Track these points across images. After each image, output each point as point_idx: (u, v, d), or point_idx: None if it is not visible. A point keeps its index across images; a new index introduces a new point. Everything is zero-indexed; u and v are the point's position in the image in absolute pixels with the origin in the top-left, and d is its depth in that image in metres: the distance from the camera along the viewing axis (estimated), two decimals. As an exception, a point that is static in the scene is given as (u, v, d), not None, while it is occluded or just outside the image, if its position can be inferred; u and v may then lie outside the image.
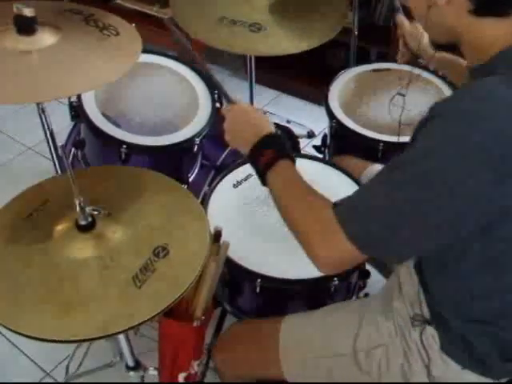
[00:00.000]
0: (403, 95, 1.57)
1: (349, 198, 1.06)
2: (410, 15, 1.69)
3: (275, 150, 1.20)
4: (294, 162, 1.21)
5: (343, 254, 1.03)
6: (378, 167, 1.67)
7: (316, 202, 1.11)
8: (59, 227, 1.25)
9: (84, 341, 1.11)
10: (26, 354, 2.01)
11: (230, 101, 1.38)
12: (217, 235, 1.36)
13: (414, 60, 2.00)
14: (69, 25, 1.42)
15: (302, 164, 1.67)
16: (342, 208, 1.05)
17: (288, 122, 2.78)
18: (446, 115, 0.95)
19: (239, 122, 1.31)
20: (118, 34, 1.44)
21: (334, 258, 1.05)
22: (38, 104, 1.45)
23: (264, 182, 1.21)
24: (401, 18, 1.64)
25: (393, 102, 1.68)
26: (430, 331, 1.19)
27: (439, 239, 1.01)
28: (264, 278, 1.41)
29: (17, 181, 2.52)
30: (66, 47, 1.36)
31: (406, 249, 1.03)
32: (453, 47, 1.11)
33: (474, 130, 0.91)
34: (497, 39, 1.02)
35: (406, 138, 1.73)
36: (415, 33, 1.63)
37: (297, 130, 2.71)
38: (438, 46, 1.16)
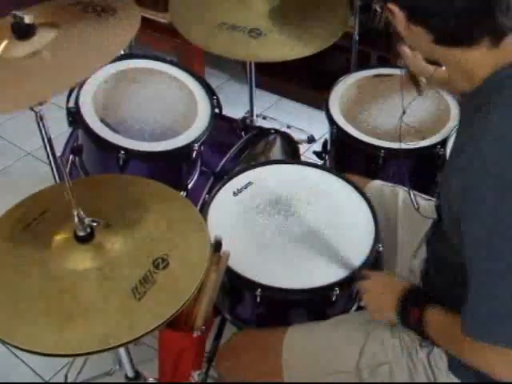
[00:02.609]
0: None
1: (474, 314, 1.02)
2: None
3: (418, 307, 1.18)
4: (431, 299, 1.18)
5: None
6: (377, 183, 1.66)
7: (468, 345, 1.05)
8: (58, 238, 1.24)
9: (83, 355, 1.09)
10: (24, 362, 1.99)
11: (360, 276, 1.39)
12: (217, 245, 1.35)
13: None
14: (66, 19, 1.39)
15: (302, 171, 1.69)
16: (479, 332, 1.01)
17: (288, 127, 2.76)
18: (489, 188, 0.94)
19: (376, 300, 1.30)
20: (115, 12, 1.41)
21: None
22: (35, 112, 1.43)
23: (423, 336, 1.20)
24: (402, 47, 1.62)
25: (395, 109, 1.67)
26: (438, 352, 1.18)
27: None
28: (264, 287, 1.39)
29: (16, 186, 2.53)
30: (64, 41, 1.32)
31: None
32: None
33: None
34: (475, 66, 1.01)
35: (408, 145, 1.74)
36: (415, 59, 1.61)
37: (297, 135, 2.69)
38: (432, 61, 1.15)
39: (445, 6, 0.96)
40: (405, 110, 1.45)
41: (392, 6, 1.01)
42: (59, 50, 1.28)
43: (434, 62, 1.15)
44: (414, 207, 1.43)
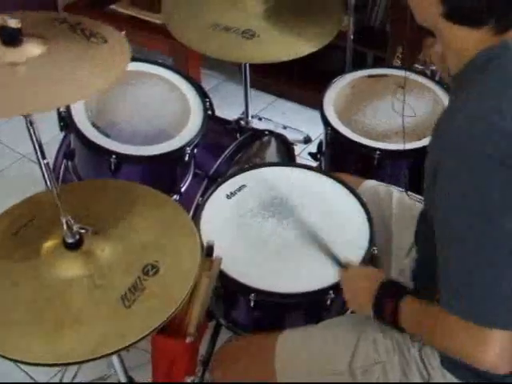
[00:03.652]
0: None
1: (450, 294, 1.03)
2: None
3: (393, 298, 1.17)
4: (410, 292, 1.18)
5: (497, 341, 0.98)
6: (371, 182, 1.65)
7: (441, 324, 1.05)
8: (47, 245, 1.23)
9: (73, 364, 1.08)
10: (19, 366, 1.98)
11: (341, 265, 1.39)
12: (209, 250, 1.34)
13: (411, 65, 1.98)
14: (55, 34, 1.38)
15: (295, 173, 1.68)
16: (459, 310, 1.01)
17: (284, 127, 2.75)
18: (455, 165, 0.96)
19: (353, 288, 1.31)
20: (105, 41, 1.40)
21: (498, 353, 0.99)
22: (25, 117, 1.41)
23: (397, 327, 1.18)
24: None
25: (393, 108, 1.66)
26: (430, 348, 1.17)
27: None
28: (258, 292, 1.38)
29: (11, 189, 2.53)
30: (53, 58, 1.32)
31: None
32: None
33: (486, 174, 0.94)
34: (466, 47, 1.03)
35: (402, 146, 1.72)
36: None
37: (293, 136, 2.69)
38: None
39: None
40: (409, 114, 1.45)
41: None
42: (45, 67, 1.26)
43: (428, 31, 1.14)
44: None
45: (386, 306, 1.17)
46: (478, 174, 0.95)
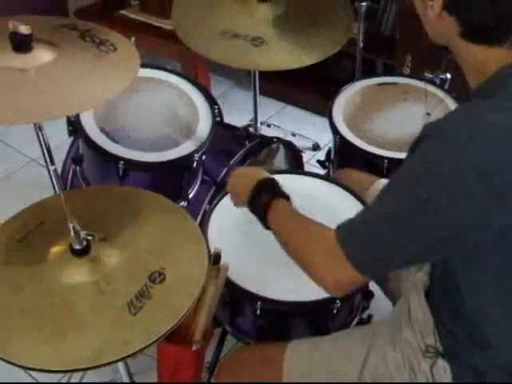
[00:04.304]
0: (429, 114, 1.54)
1: (349, 221, 1.07)
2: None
3: (269, 193, 1.24)
4: (288, 199, 1.26)
5: (349, 276, 1.03)
6: (383, 182, 1.63)
7: (316, 231, 1.13)
8: (53, 251, 1.23)
9: (77, 370, 1.08)
10: (25, 371, 1.98)
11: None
12: (216, 257, 1.34)
13: (420, 74, 1.98)
14: (65, 41, 1.39)
15: (304, 181, 1.68)
16: (342, 232, 1.05)
17: (293, 135, 2.75)
18: (436, 138, 0.95)
19: (236, 185, 1.37)
20: (115, 49, 1.41)
21: (342, 282, 1.06)
22: (34, 123, 1.42)
23: (266, 226, 1.24)
24: None
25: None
26: (442, 364, 1.16)
27: (434, 256, 1.06)
28: (264, 300, 1.38)
29: (20, 192, 2.54)
30: (64, 64, 1.33)
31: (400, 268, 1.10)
32: None
33: (464, 154, 0.91)
34: (485, 64, 1.01)
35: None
36: None
37: (302, 143, 2.69)
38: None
39: (488, 5, 0.96)
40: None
41: None
42: (55, 74, 1.26)
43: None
44: None
45: (260, 200, 1.24)
46: (453, 170, 0.92)
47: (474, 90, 1.05)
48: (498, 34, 0.99)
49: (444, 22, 1.02)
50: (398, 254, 1.01)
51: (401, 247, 0.99)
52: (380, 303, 1.56)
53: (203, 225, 1.52)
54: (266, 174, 1.32)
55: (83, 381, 1.85)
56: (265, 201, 1.23)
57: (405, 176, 0.99)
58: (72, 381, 1.86)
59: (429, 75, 1.98)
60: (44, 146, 1.45)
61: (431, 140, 0.95)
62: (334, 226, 1.48)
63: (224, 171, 1.82)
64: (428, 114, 1.57)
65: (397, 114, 1.91)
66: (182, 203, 1.75)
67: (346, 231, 1.05)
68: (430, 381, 1.17)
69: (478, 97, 1.02)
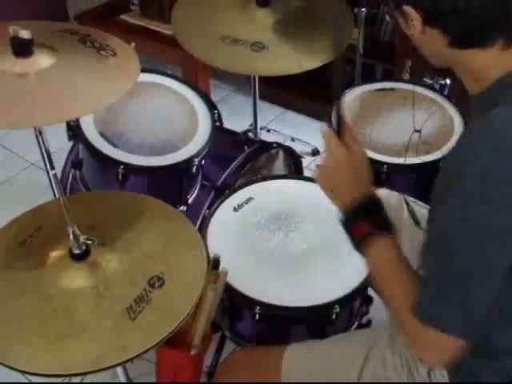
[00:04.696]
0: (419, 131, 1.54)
1: (423, 297, 0.99)
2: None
3: (369, 223, 1.08)
4: (393, 233, 1.09)
5: (450, 348, 0.98)
6: (382, 192, 1.63)
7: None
8: (53, 255, 1.23)
9: (76, 375, 1.08)
10: (23, 375, 1.97)
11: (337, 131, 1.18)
12: (215, 262, 1.34)
13: (419, 79, 1.98)
14: (65, 46, 1.39)
15: (303, 186, 1.68)
16: (420, 309, 0.99)
17: (292, 140, 2.75)
18: (466, 175, 0.93)
19: (339, 183, 1.14)
20: (115, 54, 1.41)
21: (445, 357, 1.01)
22: (34, 127, 1.42)
23: (358, 250, 1.11)
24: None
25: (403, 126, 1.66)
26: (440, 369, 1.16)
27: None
28: (263, 305, 1.38)
29: (20, 197, 2.53)
30: (64, 69, 1.33)
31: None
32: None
33: (498, 176, 0.91)
34: (486, 68, 1.01)
35: (411, 160, 1.72)
36: None
37: (301, 148, 2.69)
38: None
39: (463, 8, 0.95)
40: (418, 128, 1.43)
41: (408, 9, 1.00)
42: (55, 79, 1.27)
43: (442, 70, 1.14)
44: (413, 221, 1.42)
45: (358, 227, 1.09)
46: (491, 192, 0.92)
47: (477, 95, 1.04)
48: (483, 34, 0.99)
49: (430, 38, 1.02)
50: (481, 295, 0.96)
51: (481, 286, 0.96)
52: (379, 308, 1.55)
53: (202, 229, 1.53)
54: (371, 191, 1.12)
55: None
56: (364, 231, 1.08)
57: (452, 224, 0.96)
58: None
59: (428, 81, 1.98)
60: (44, 151, 1.45)
61: (463, 179, 0.93)
62: (335, 230, 1.49)
63: (223, 176, 1.82)
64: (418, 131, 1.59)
65: (396, 120, 1.91)
66: (182, 208, 1.75)
67: (424, 306, 0.98)
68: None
69: (479, 102, 1.02)
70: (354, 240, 1.10)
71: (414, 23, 1.01)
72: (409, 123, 1.80)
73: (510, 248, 0.94)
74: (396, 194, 1.61)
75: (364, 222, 1.08)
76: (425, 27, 1.01)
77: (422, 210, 1.51)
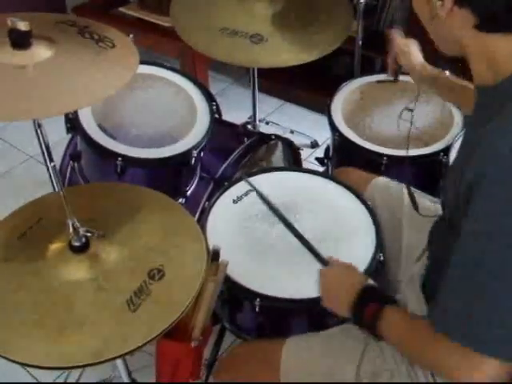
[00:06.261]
0: (411, 110, 1.54)
1: (450, 316, 1.00)
2: (408, 31, 1.68)
3: (376, 301, 1.17)
4: (395, 302, 1.19)
5: (492, 370, 0.96)
6: (382, 180, 1.63)
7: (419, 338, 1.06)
8: (53, 247, 1.23)
9: (76, 367, 1.08)
10: (24, 368, 1.98)
11: (322, 261, 1.41)
12: (215, 254, 1.34)
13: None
14: (64, 37, 1.38)
15: (302, 178, 1.68)
16: (452, 330, 0.98)
17: (292, 132, 2.75)
18: (488, 183, 0.92)
19: (332, 289, 1.30)
20: (113, 46, 1.41)
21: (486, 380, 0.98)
22: (33, 120, 1.42)
23: (374, 333, 1.17)
24: (394, 33, 1.62)
25: (401, 116, 1.66)
26: None
27: None
28: (263, 297, 1.38)
29: (19, 189, 2.53)
30: (62, 61, 1.33)
31: None
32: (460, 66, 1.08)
33: None
34: (502, 56, 0.98)
35: (411, 152, 1.71)
36: (404, 51, 1.64)
37: (300, 140, 2.69)
38: (445, 61, 1.13)
39: None
40: (411, 108, 1.44)
41: None
42: (54, 71, 1.26)
43: (446, 61, 1.12)
44: (412, 206, 1.42)
45: (368, 308, 1.16)
46: None
47: (488, 87, 1.02)
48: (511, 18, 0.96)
49: (457, 18, 0.99)
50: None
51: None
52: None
53: (202, 222, 1.52)
54: (364, 278, 1.26)
55: (82, 377, 1.86)
56: (373, 311, 1.15)
57: (475, 234, 0.95)
58: (71, 377, 1.86)
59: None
60: (43, 143, 1.45)
61: (485, 189, 0.92)
62: (334, 223, 1.49)
63: (222, 168, 1.82)
64: (410, 109, 1.58)
65: (395, 112, 1.90)
66: (180, 200, 1.75)
67: (461, 328, 0.97)
68: (428, 375, 1.17)
69: (489, 97, 1.00)
70: (368, 324, 1.16)
71: (443, 2, 0.98)
72: (408, 115, 1.80)
73: None
74: (395, 182, 1.61)
75: (371, 302, 1.16)
76: (454, 7, 0.98)
77: (420, 198, 1.50)
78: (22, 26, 1.29)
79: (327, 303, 1.30)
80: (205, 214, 1.56)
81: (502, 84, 0.99)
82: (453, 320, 0.99)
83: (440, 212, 1.28)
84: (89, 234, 1.20)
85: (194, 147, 1.69)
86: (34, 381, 1.97)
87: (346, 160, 1.95)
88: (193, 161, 1.70)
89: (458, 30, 1.01)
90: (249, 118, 2.46)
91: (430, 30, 1.07)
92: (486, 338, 0.95)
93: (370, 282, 1.24)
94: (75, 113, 1.67)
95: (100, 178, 1.77)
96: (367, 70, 2.48)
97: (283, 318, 1.49)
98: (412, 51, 1.61)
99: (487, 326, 0.95)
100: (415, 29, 1.11)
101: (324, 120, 1.93)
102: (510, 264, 0.92)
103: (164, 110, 1.84)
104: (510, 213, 0.91)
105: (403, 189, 1.53)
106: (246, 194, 1.61)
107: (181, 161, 1.71)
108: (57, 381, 1.94)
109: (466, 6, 0.97)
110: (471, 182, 0.95)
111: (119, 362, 1.49)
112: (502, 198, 0.91)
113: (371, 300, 1.17)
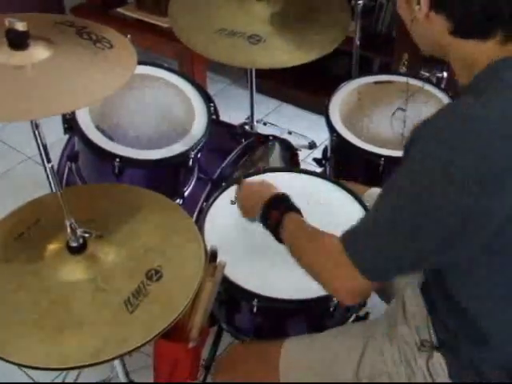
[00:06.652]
0: (404, 110, 1.55)
1: (352, 228, 1.08)
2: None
3: (280, 208, 1.27)
4: (298, 211, 1.28)
5: (359, 284, 1.04)
6: (377, 191, 1.64)
7: (324, 241, 1.14)
8: (50, 248, 1.23)
9: (75, 368, 1.08)
10: (21, 368, 1.98)
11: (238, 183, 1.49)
12: (213, 255, 1.34)
13: (416, 72, 1.98)
14: (62, 38, 1.38)
15: (299, 179, 1.68)
16: (347, 240, 1.06)
17: (289, 133, 2.75)
18: (427, 139, 0.95)
19: (248, 199, 1.41)
20: (112, 46, 1.41)
21: (353, 290, 1.07)
22: (31, 120, 1.42)
23: (279, 239, 1.26)
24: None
25: (394, 116, 1.66)
26: (437, 358, 1.16)
27: (440, 256, 1.02)
28: (261, 298, 1.38)
29: (17, 190, 2.53)
30: (60, 61, 1.32)
31: (409, 270, 1.11)
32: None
33: (455, 153, 0.91)
34: (478, 60, 1.01)
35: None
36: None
37: (298, 141, 2.70)
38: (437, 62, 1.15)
39: None
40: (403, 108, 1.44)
41: None
42: (51, 71, 1.26)
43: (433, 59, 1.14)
44: None
45: (271, 215, 1.27)
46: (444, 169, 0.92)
47: (466, 86, 1.05)
48: (487, 26, 0.99)
49: (433, 23, 1.02)
50: (402, 256, 1.01)
51: (403, 249, 1.00)
52: (377, 301, 1.56)
53: (200, 222, 1.52)
54: (277, 189, 1.35)
55: (80, 377, 1.86)
56: (276, 215, 1.25)
57: (399, 179, 1.00)
58: (68, 378, 1.86)
59: (425, 73, 1.98)
60: (40, 144, 1.44)
61: (422, 141, 0.95)
62: (331, 224, 1.48)
63: (220, 169, 1.82)
64: (402, 109, 1.58)
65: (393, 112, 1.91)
66: (178, 200, 1.75)
67: (351, 239, 1.06)
68: (427, 377, 1.18)
69: (469, 92, 1.02)
70: (272, 228, 1.27)
71: (420, 6, 1.01)
72: (406, 116, 1.80)
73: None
74: None
75: (276, 209, 1.27)
76: (430, 12, 1.01)
77: None
78: (20, 26, 1.29)
79: (243, 212, 1.42)
80: (202, 214, 1.56)
81: (473, 81, 1.02)
82: (352, 237, 1.06)
83: None
84: (86, 235, 1.20)
85: (192, 148, 1.69)
86: (31, 381, 1.97)
87: (343, 161, 1.95)
88: (190, 162, 1.70)
89: (436, 33, 1.04)
90: (246, 119, 2.46)
91: (411, 31, 1.10)
92: (366, 259, 1.03)
93: (282, 194, 1.32)
94: (73, 113, 1.67)
95: (98, 179, 1.77)
96: (365, 70, 2.48)
97: (281, 318, 1.49)
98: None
99: (370, 251, 1.03)
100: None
101: (322, 121, 1.93)
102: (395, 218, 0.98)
103: (162, 111, 1.83)
104: (406, 177, 0.97)
105: None
106: (244, 194, 1.60)
107: (178, 162, 1.71)
108: (55, 381, 1.94)
109: (441, 12, 1.00)
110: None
111: (117, 362, 1.49)
112: (417, 161, 0.95)
113: (275, 208, 1.27)
